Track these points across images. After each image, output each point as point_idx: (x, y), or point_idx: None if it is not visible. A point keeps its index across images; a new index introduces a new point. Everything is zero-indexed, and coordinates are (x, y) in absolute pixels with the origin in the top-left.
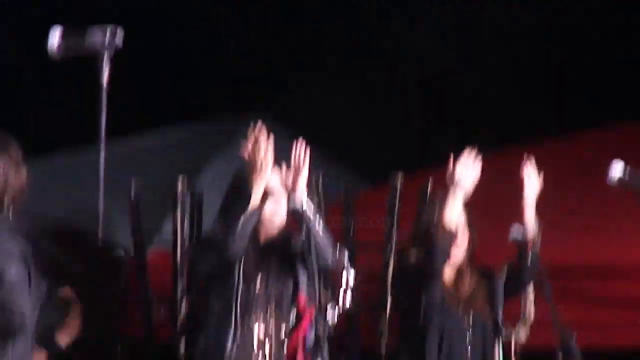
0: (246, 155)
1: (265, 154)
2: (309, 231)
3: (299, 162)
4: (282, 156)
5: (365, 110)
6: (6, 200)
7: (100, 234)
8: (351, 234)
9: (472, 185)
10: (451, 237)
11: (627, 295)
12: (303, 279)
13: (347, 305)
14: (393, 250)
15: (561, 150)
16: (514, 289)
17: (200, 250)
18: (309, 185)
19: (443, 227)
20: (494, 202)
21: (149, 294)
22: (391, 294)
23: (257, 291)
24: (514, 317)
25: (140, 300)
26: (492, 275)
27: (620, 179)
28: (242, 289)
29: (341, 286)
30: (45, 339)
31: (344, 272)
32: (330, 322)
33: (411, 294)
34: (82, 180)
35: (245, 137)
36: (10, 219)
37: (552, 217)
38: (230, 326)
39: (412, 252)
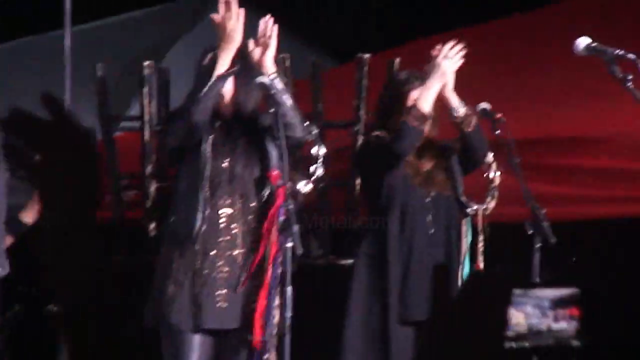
0: (217, 20)
1: (236, 20)
2: (277, 106)
3: (266, 38)
4: (250, 34)
5: None
6: None
7: (68, 119)
8: (320, 111)
9: (451, 77)
10: (423, 120)
11: (594, 167)
12: (274, 155)
13: (318, 181)
14: (361, 127)
15: (520, 25)
16: (466, 165)
17: (168, 122)
18: (277, 62)
19: (417, 111)
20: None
21: (118, 175)
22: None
23: (224, 170)
24: (480, 191)
25: (110, 182)
26: (449, 151)
27: (587, 46)
28: (209, 167)
29: (311, 161)
30: (9, 220)
31: (314, 147)
32: (301, 198)
33: (374, 172)
34: (49, 64)
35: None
36: None
37: (517, 91)
38: (198, 204)
39: (378, 131)
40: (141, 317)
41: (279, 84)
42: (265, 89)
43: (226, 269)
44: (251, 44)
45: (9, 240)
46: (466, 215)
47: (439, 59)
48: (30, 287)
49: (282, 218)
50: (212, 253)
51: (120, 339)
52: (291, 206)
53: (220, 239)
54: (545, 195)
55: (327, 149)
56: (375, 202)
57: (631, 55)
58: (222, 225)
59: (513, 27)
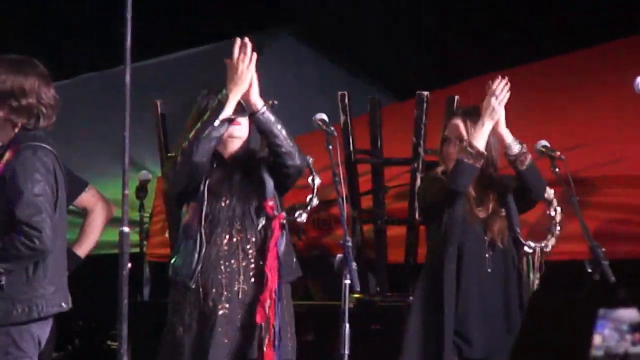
0: (229, 62)
1: (248, 63)
2: (273, 137)
3: (245, 72)
4: (305, 72)
5: (390, 25)
6: (40, 117)
7: (127, 157)
8: (379, 148)
9: (502, 112)
10: (478, 157)
11: None
12: (270, 184)
13: (312, 208)
14: (420, 164)
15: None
16: (522, 203)
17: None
18: (337, 99)
19: (470, 146)
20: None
21: (176, 213)
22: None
23: (222, 208)
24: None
25: (169, 219)
26: (507, 189)
27: None
28: (207, 205)
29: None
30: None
31: (310, 177)
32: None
33: (435, 209)
34: (109, 100)
35: (258, 52)
36: (44, 134)
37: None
38: (196, 241)
39: (439, 167)
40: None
41: (271, 117)
42: (259, 121)
43: (227, 305)
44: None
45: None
46: (525, 253)
47: (489, 97)
48: (90, 321)
49: (339, 255)
50: (213, 291)
51: None
52: (349, 243)
53: (220, 277)
54: (607, 233)
55: (386, 186)
56: (434, 237)
57: None
58: (221, 262)
59: (573, 63)
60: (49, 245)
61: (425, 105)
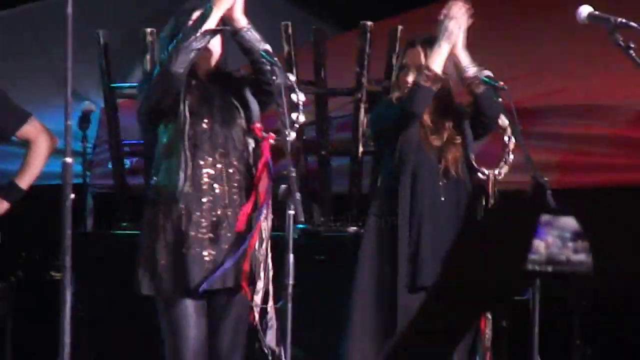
0: None
1: None
2: (257, 53)
3: None
4: (248, 2)
5: None
6: None
7: (69, 88)
8: (322, 79)
9: (460, 37)
10: (435, 80)
11: (593, 134)
12: (255, 106)
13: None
14: (363, 95)
15: None
16: (477, 128)
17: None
18: (280, 30)
19: (428, 69)
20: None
21: (119, 143)
22: (365, 135)
23: (203, 130)
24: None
25: (112, 150)
26: (463, 115)
27: (590, 14)
28: (188, 127)
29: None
30: (5, 186)
31: (294, 94)
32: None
33: (388, 133)
34: (50, 31)
35: None
36: None
37: (520, 60)
38: (180, 165)
39: (394, 94)
40: (137, 285)
41: (255, 34)
42: (242, 38)
43: (211, 229)
44: None
45: (5, 206)
46: (478, 180)
47: (446, 20)
48: (33, 253)
49: (283, 186)
50: (196, 214)
51: (121, 307)
52: (293, 173)
53: (204, 200)
54: (549, 163)
55: (329, 116)
56: (387, 164)
57: (633, 24)
58: (204, 187)
59: None
60: None
61: (368, 35)
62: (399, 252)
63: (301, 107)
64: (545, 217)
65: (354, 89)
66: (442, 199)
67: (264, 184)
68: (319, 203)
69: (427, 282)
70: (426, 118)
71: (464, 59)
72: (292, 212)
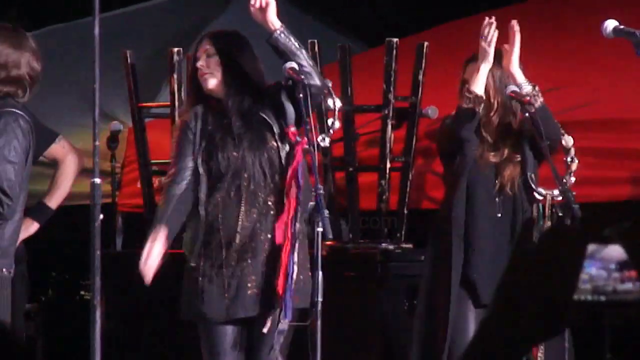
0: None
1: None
2: (293, 57)
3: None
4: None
5: None
6: (27, 89)
7: (97, 109)
8: (349, 95)
9: (516, 51)
10: (476, 102)
11: (627, 148)
12: (290, 109)
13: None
14: (390, 111)
15: (539, 9)
16: (536, 150)
17: None
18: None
19: (468, 92)
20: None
21: (148, 162)
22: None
23: (235, 158)
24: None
25: (140, 168)
26: (524, 135)
27: (615, 28)
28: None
29: (328, 115)
30: (34, 207)
31: (330, 100)
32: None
33: (448, 155)
34: (78, 52)
35: None
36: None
37: (544, 73)
38: (216, 196)
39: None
40: (178, 310)
41: (290, 35)
42: (278, 43)
43: (250, 255)
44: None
45: (35, 227)
46: (535, 199)
47: (480, 39)
48: (63, 273)
49: (311, 203)
50: (235, 242)
51: (150, 327)
52: (321, 191)
53: (239, 229)
54: (577, 177)
55: (357, 133)
56: (447, 184)
57: None
58: (241, 216)
59: (534, 10)
60: (10, 214)
61: (394, 52)
62: (452, 275)
63: (337, 113)
64: (591, 248)
65: (381, 105)
66: (499, 215)
67: (293, 191)
68: (347, 220)
69: (482, 301)
70: (487, 135)
71: (519, 76)
72: (320, 229)
